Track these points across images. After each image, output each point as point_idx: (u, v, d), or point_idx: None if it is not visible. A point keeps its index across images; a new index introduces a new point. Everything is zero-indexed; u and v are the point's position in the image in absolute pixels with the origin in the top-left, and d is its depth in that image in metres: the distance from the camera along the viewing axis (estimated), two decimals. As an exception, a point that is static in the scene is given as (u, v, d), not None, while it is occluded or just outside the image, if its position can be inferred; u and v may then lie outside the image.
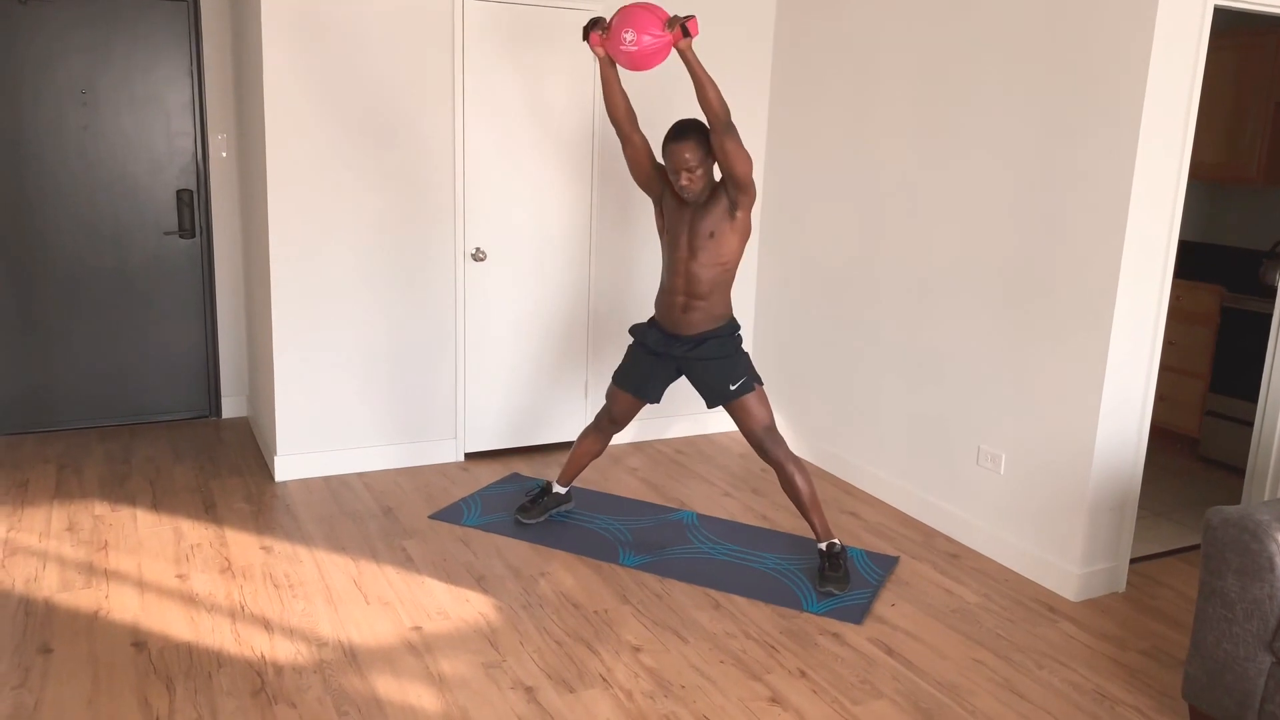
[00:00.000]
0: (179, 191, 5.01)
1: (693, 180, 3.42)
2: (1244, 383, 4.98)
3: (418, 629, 3.17)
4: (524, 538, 3.89)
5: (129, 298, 5.00)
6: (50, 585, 3.36)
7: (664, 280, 3.65)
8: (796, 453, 4.91)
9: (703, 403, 5.08)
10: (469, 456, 4.80)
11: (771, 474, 4.71)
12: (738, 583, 3.58)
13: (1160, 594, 3.67)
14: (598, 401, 4.98)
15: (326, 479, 4.44)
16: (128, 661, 2.91)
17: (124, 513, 4.00)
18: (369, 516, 4.05)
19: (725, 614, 3.36)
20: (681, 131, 3.41)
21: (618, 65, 3.43)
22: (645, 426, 5.13)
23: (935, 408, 4.15)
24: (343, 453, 4.50)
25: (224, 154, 5.06)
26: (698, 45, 4.84)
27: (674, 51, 3.37)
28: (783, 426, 5.02)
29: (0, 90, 4.60)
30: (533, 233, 4.69)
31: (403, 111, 4.30)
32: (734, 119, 4.99)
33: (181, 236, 5.05)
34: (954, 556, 3.91)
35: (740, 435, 5.25)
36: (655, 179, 3.61)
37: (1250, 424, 4.86)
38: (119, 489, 4.26)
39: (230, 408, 5.31)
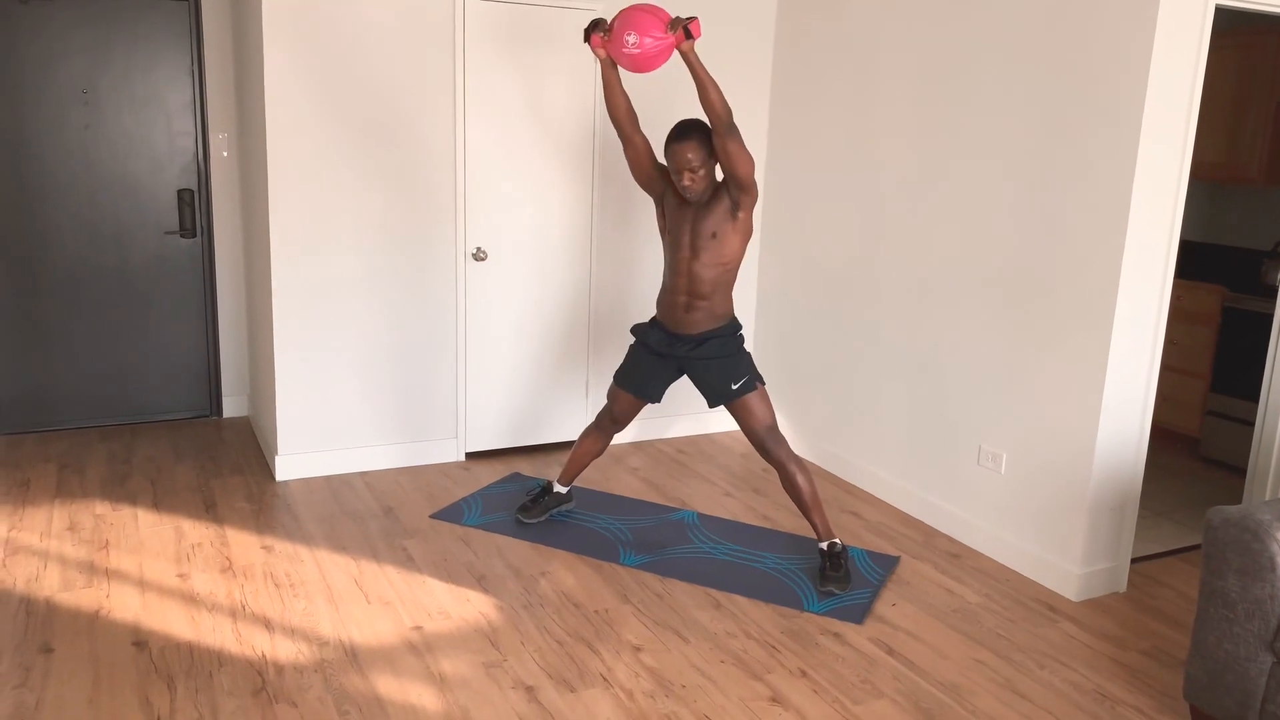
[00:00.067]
0: (180, 191, 5.01)
1: (695, 180, 3.42)
2: (1245, 383, 4.98)
3: (418, 628, 3.17)
4: (525, 537, 3.89)
5: (130, 297, 5.00)
6: (51, 585, 3.36)
7: (666, 280, 3.65)
8: (797, 452, 4.90)
9: (704, 402, 5.08)
10: (470, 456, 4.80)
11: (772, 474, 4.71)
12: (739, 582, 3.58)
13: (1161, 594, 3.67)
14: (598, 401, 4.98)
15: (327, 478, 4.44)
16: (129, 661, 2.91)
17: (125, 512, 4.00)
18: (370, 516, 4.05)
19: (726, 614, 3.36)
20: (684, 131, 3.41)
21: (619, 67, 3.43)
22: (646, 426, 5.13)
23: (936, 407, 4.15)
24: (343, 452, 4.50)
25: (225, 153, 5.06)
26: (699, 46, 4.84)
27: (676, 53, 3.37)
28: (784, 426, 5.02)
29: (1, 90, 4.60)
30: (534, 232, 4.69)
31: (403, 111, 4.31)
32: (735, 119, 4.99)
33: (182, 236, 5.06)
34: (955, 556, 3.91)
35: (741, 435, 5.26)
36: (657, 179, 3.61)
37: (1251, 424, 4.86)
38: (120, 488, 4.26)
39: (231, 407, 5.31)
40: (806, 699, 2.87)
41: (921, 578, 3.71)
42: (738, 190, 3.41)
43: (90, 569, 3.49)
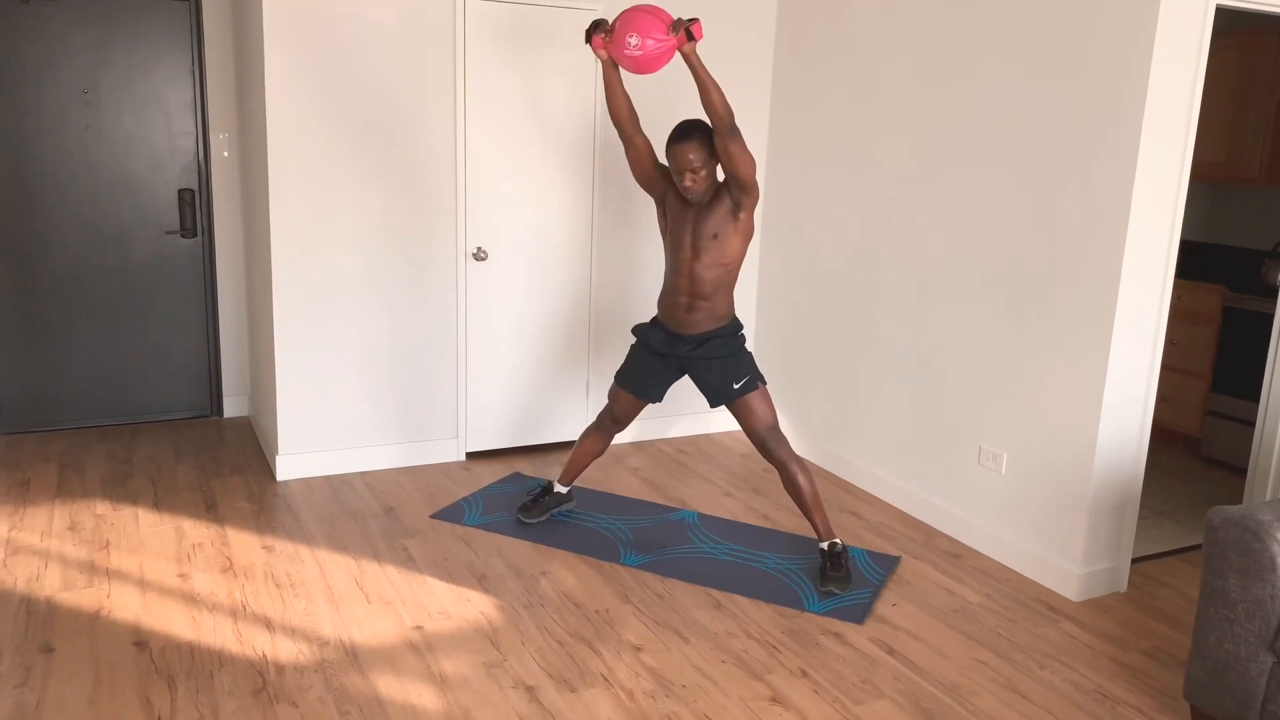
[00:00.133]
0: (180, 191, 5.02)
1: (696, 181, 3.42)
2: (1245, 383, 4.98)
3: (419, 628, 3.18)
4: (525, 537, 3.89)
5: (130, 297, 5.00)
6: (52, 584, 3.36)
7: (667, 280, 3.65)
8: (798, 452, 4.91)
9: (704, 402, 5.10)
10: (470, 456, 4.80)
11: (773, 474, 4.71)
12: (739, 582, 3.58)
13: (1161, 594, 3.67)
14: (599, 400, 4.98)
15: (328, 478, 4.44)
16: (129, 661, 2.91)
17: (125, 512, 4.00)
18: (370, 516, 4.05)
19: (726, 613, 3.36)
20: (685, 132, 3.41)
21: (621, 68, 3.43)
22: (647, 426, 5.13)
23: (936, 407, 4.15)
24: (344, 452, 4.50)
25: (225, 153, 5.06)
26: (700, 47, 4.84)
27: (677, 54, 3.37)
28: (784, 426, 5.02)
29: (2, 89, 4.60)
30: (534, 232, 4.69)
31: (404, 111, 4.31)
32: (736, 120, 4.99)
33: (183, 236, 5.06)
34: (955, 556, 3.91)
35: (742, 435, 5.26)
36: (658, 180, 3.61)
37: (1251, 424, 4.86)
38: (120, 488, 4.26)
39: (232, 407, 5.31)
40: (807, 699, 2.87)
41: (922, 578, 3.71)
42: (739, 191, 3.41)
43: (91, 569, 3.49)
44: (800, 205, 4.91)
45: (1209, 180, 5.40)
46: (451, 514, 4.08)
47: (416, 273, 4.47)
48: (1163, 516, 4.38)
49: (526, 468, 4.69)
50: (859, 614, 3.37)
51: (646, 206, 4.89)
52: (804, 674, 3.00)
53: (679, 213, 3.56)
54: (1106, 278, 3.39)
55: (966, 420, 4.00)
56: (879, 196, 4.39)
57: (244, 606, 3.27)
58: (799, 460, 3.60)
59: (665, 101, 4.65)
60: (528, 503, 4.04)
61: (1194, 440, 5.33)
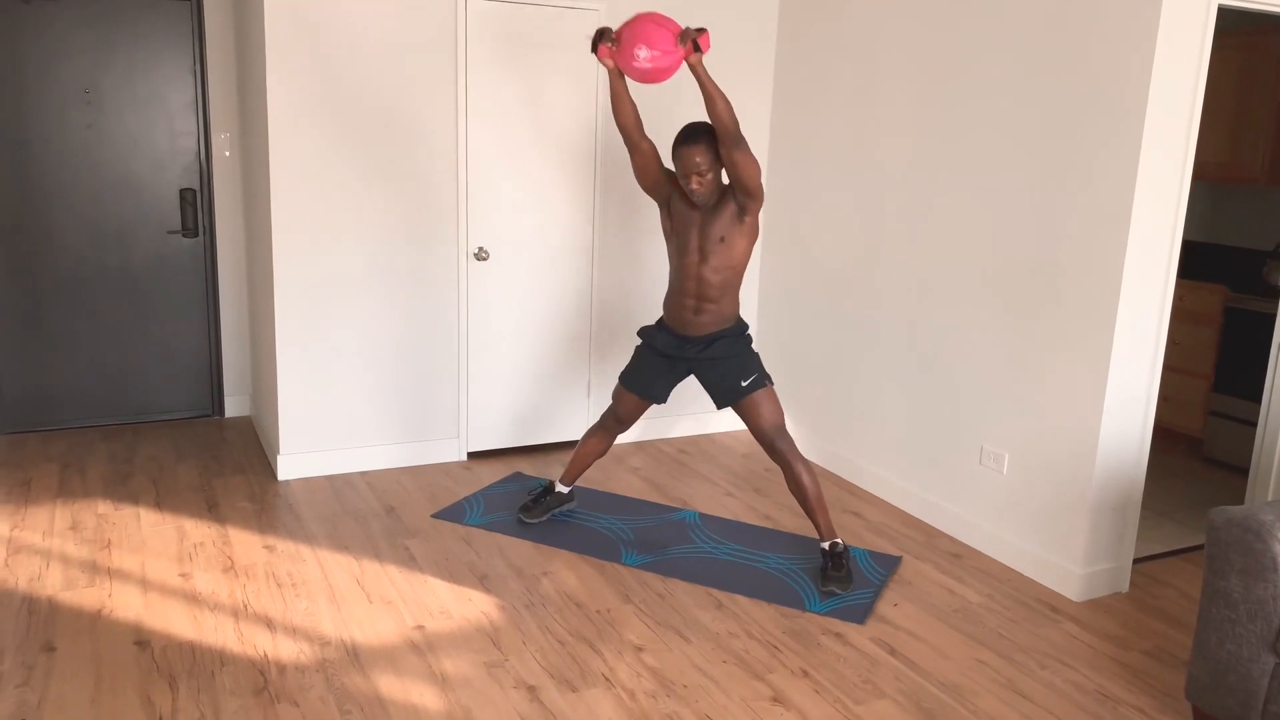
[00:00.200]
0: (182, 190, 5.02)
1: (703, 184, 3.43)
2: (1247, 383, 4.98)
3: (420, 628, 3.18)
4: (526, 537, 3.89)
5: (132, 297, 5.00)
6: (53, 584, 3.37)
7: (673, 283, 3.65)
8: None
9: (706, 402, 5.10)
10: (472, 456, 4.80)
11: (774, 474, 4.71)
12: (740, 582, 3.58)
13: (1163, 594, 3.67)
14: (601, 400, 4.98)
15: (329, 478, 4.44)
16: (131, 660, 2.92)
17: (127, 511, 4.00)
18: (372, 515, 4.05)
19: (728, 613, 3.36)
20: (692, 135, 3.40)
21: (627, 77, 3.42)
22: (648, 426, 5.13)
23: (938, 407, 4.15)
24: (345, 452, 4.50)
25: (227, 153, 5.06)
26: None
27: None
28: (787, 426, 5.01)
29: (4, 89, 4.60)
30: (536, 232, 4.69)
31: (405, 110, 4.31)
32: (732, 106, 4.99)
33: (185, 235, 5.06)
34: (956, 556, 3.91)
35: (743, 435, 5.26)
36: (664, 183, 3.60)
37: (1253, 424, 4.86)
38: (122, 488, 4.26)
39: (233, 407, 5.31)
40: (808, 699, 2.87)
41: (923, 578, 3.70)
42: (745, 196, 3.42)
43: (92, 568, 3.49)
44: (802, 205, 4.91)
45: (1211, 180, 5.40)
46: (453, 514, 4.08)
47: (418, 272, 4.48)
48: (1164, 517, 4.37)
49: (528, 467, 4.69)
50: (860, 614, 3.37)
51: (648, 205, 4.89)
52: (805, 674, 3.00)
53: (685, 216, 3.56)
54: (1108, 278, 3.38)
55: (968, 420, 4.00)
56: (880, 197, 4.39)
57: (245, 606, 3.27)
58: (805, 460, 3.60)
59: (666, 104, 4.65)
60: (529, 502, 4.04)
61: (1195, 440, 5.32)
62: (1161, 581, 3.77)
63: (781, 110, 5.04)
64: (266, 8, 3.98)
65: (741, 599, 3.47)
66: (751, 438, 5.24)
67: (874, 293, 4.46)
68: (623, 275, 4.94)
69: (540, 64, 4.52)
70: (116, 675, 2.84)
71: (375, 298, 4.42)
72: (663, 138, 4.40)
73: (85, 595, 3.29)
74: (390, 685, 2.85)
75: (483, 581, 3.51)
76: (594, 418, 5.00)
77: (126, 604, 3.25)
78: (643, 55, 3.26)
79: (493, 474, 4.58)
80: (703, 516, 4.16)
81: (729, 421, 5.34)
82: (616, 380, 4.97)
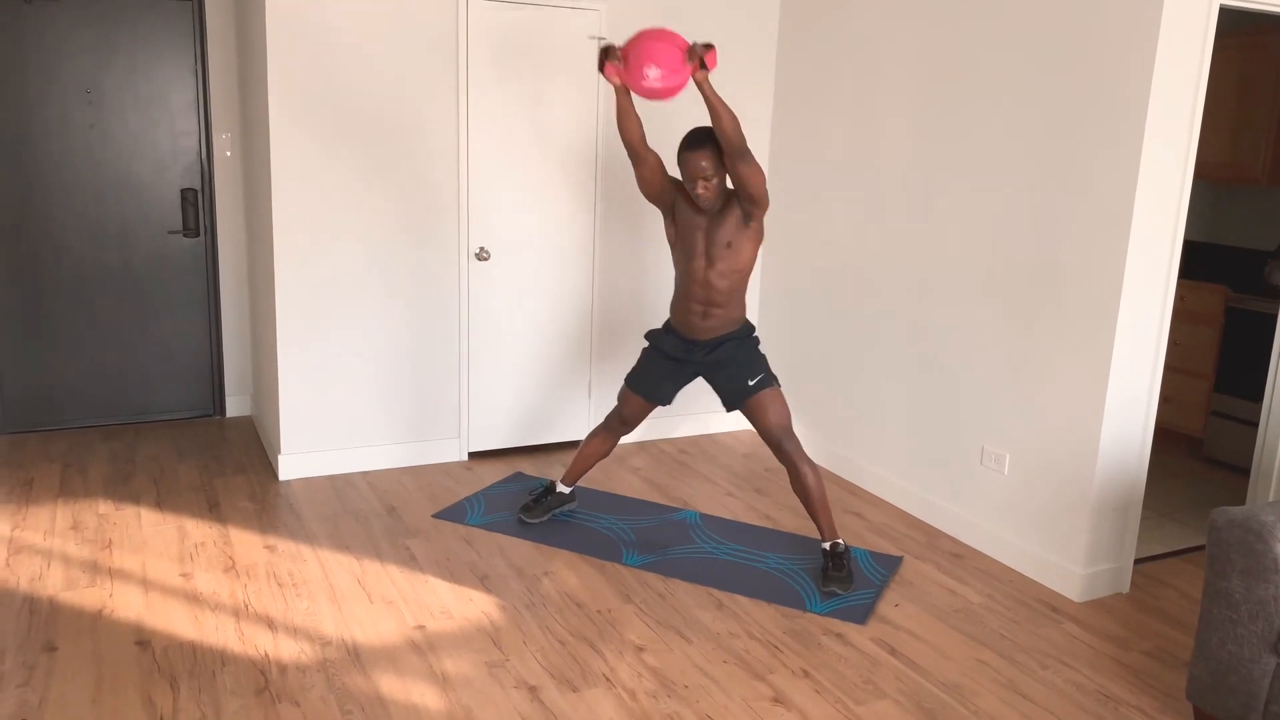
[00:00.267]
0: (184, 190, 5.02)
1: (708, 189, 3.43)
2: (1248, 383, 4.97)
3: (421, 628, 3.18)
4: (527, 537, 3.89)
5: (133, 296, 5.01)
6: (55, 584, 3.37)
7: (679, 289, 3.65)
8: (800, 452, 4.91)
9: (707, 402, 5.11)
10: (472, 456, 4.80)
11: (775, 474, 4.71)
12: (741, 582, 3.58)
13: (1164, 595, 3.67)
14: (602, 400, 4.98)
15: (330, 478, 4.45)
16: (132, 660, 2.92)
17: (128, 511, 4.01)
18: (373, 515, 4.05)
19: (728, 614, 3.36)
20: (697, 140, 3.40)
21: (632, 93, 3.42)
22: (649, 426, 5.13)
23: (939, 408, 4.15)
24: (346, 452, 4.50)
25: (228, 153, 5.06)
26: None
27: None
28: (786, 426, 5.02)
29: (6, 89, 4.61)
30: (537, 231, 4.69)
31: (406, 110, 4.31)
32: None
33: (186, 235, 5.06)
34: (957, 557, 3.91)
35: (744, 435, 5.26)
36: (668, 191, 3.59)
37: (1254, 424, 4.86)
38: (123, 488, 4.26)
39: (234, 406, 5.32)
40: (809, 699, 2.87)
41: (924, 578, 3.70)
42: (750, 204, 3.43)
43: (93, 568, 3.49)
44: (803, 206, 4.91)
45: (1212, 180, 5.40)
46: (454, 514, 4.08)
47: (419, 272, 4.48)
48: (1165, 517, 4.37)
49: (529, 467, 4.69)
50: (861, 614, 3.37)
51: (649, 204, 4.88)
52: (806, 674, 3.00)
53: (690, 221, 3.56)
54: (1109, 278, 3.38)
55: (969, 421, 4.00)
56: (882, 196, 4.39)
57: (246, 606, 3.27)
58: (810, 462, 3.60)
59: (668, 111, 4.63)
60: (530, 502, 4.04)
61: (1197, 441, 5.32)
62: (1162, 582, 3.77)
63: (783, 110, 5.04)
64: (268, 8, 3.99)
65: (742, 599, 3.46)
66: (752, 438, 5.24)
67: (875, 293, 4.46)
68: (624, 274, 4.94)
69: (541, 63, 4.52)
70: (117, 675, 2.84)
71: (376, 297, 4.42)
72: (663, 144, 4.40)
73: (86, 595, 3.30)
74: (391, 685, 2.85)
75: (483, 581, 3.51)
76: (595, 417, 5.00)
77: (127, 604, 3.25)
78: (652, 75, 3.25)
79: (494, 474, 4.58)
80: (703, 517, 4.17)
81: (730, 422, 5.34)
82: (619, 380, 4.99)
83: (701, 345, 3.65)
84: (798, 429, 5.01)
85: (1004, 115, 3.75)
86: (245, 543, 3.75)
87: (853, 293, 4.60)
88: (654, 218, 4.91)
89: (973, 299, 3.95)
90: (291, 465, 4.40)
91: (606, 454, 4.00)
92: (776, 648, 3.15)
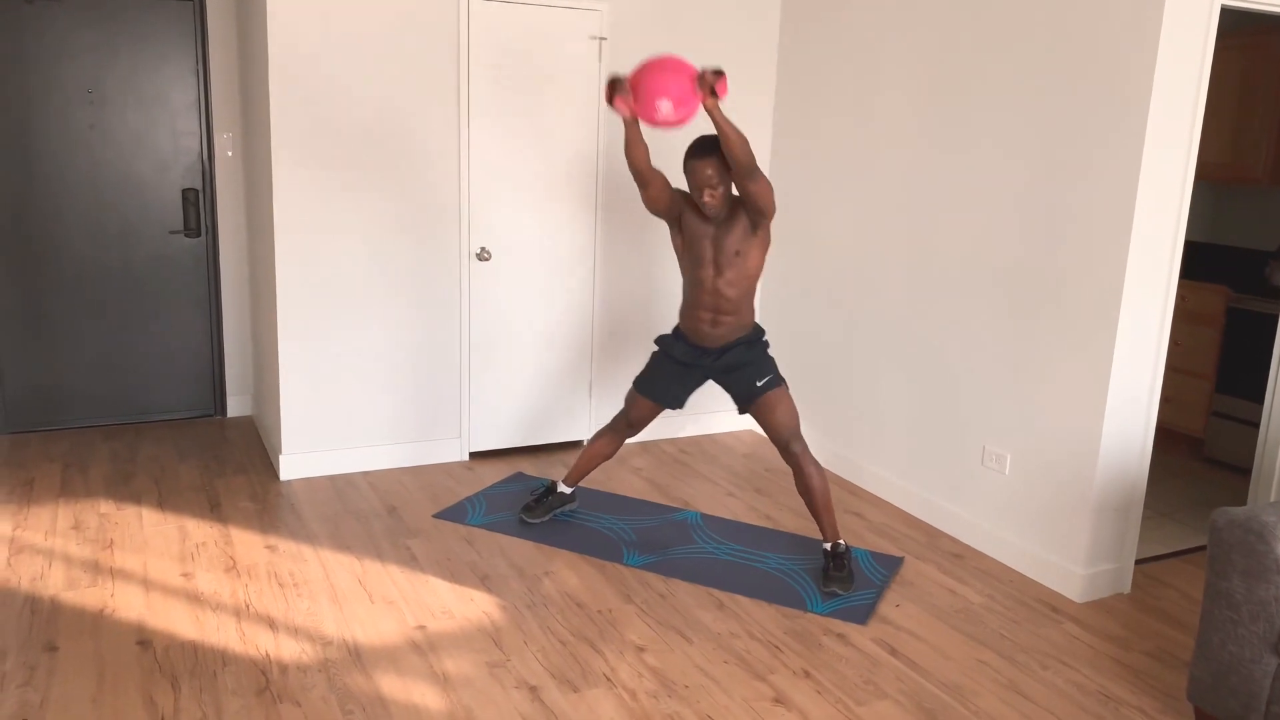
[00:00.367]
0: (185, 190, 5.02)
1: (715, 197, 3.44)
2: (1249, 383, 4.97)
3: (422, 628, 3.18)
4: (528, 537, 3.89)
5: (135, 296, 5.01)
6: (56, 583, 3.37)
7: (688, 297, 3.65)
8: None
9: (708, 403, 5.11)
10: (473, 456, 4.80)
11: (775, 474, 4.72)
12: (742, 583, 3.58)
13: (1165, 595, 3.67)
14: (602, 400, 4.98)
15: (331, 478, 4.45)
16: (133, 660, 2.92)
17: (129, 511, 4.01)
18: (374, 515, 4.05)
19: (729, 614, 3.36)
20: (703, 149, 3.40)
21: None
22: (650, 427, 5.13)
23: (940, 408, 4.15)
24: (347, 452, 4.50)
25: (229, 153, 5.07)
26: (703, 46, 4.85)
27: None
28: (787, 426, 5.02)
29: (8, 90, 4.61)
30: (538, 232, 4.69)
31: (408, 109, 4.31)
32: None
33: (187, 235, 5.06)
34: (958, 557, 3.91)
35: (745, 435, 5.26)
36: (676, 203, 3.60)
37: (1256, 425, 4.86)
38: (124, 487, 4.27)
39: (235, 406, 5.32)
40: (810, 699, 2.87)
41: (925, 578, 3.70)
42: (758, 215, 3.44)
43: (95, 568, 3.49)
44: (804, 206, 4.91)
45: (1213, 181, 5.39)
46: (454, 514, 4.09)
47: (420, 272, 4.48)
48: (1166, 518, 4.37)
49: (529, 468, 4.69)
50: (862, 615, 3.37)
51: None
52: (807, 674, 3.00)
53: (697, 230, 3.56)
54: (1110, 278, 3.38)
55: (970, 421, 4.00)
56: (883, 197, 4.39)
57: (247, 606, 3.27)
58: (816, 464, 3.60)
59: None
60: (531, 502, 4.04)
61: (1197, 441, 5.32)
62: (1163, 582, 3.77)
63: (784, 113, 5.04)
64: (269, 8, 3.99)
65: (743, 599, 3.47)
66: (753, 439, 5.24)
67: (876, 293, 4.46)
68: (626, 274, 4.95)
69: (543, 62, 4.52)
70: (119, 675, 2.84)
71: (377, 298, 4.42)
72: (663, 155, 4.41)
73: (87, 595, 3.30)
74: (392, 685, 2.85)
75: (484, 581, 3.52)
76: (596, 418, 5.00)
77: (129, 604, 3.25)
78: (665, 109, 3.23)
79: (494, 474, 4.58)
80: (704, 517, 4.17)
81: (730, 422, 5.34)
82: (621, 380, 4.99)
83: (711, 351, 3.66)
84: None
85: (1005, 115, 3.75)
86: (246, 543, 3.75)
87: (853, 292, 4.60)
88: (656, 217, 4.91)
89: (973, 298, 3.95)
90: (292, 465, 4.40)
91: (610, 456, 4.00)
92: (777, 648, 3.15)
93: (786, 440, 3.58)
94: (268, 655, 2.98)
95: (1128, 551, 3.64)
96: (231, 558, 3.62)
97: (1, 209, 4.70)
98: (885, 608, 3.46)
